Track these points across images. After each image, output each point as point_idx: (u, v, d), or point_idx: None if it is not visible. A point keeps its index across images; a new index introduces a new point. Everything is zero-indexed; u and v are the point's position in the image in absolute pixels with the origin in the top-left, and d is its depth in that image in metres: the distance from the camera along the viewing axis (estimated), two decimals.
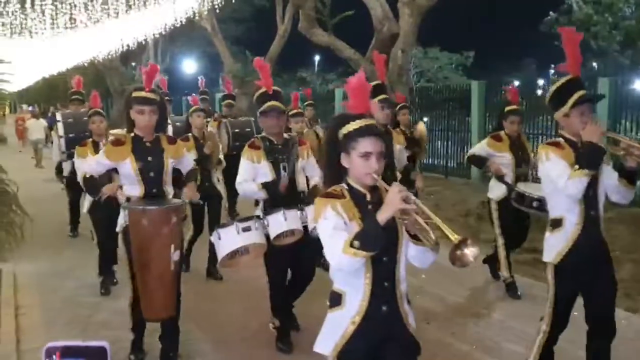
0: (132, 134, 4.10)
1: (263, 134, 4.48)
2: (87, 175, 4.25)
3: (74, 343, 1.42)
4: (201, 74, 16.56)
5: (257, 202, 4.45)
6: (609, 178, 3.41)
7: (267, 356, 4.46)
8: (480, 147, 5.75)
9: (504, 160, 5.50)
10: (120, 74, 26.01)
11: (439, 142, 13.74)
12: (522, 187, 5.22)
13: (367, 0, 11.90)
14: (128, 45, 16.42)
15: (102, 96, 7.48)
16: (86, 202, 5.82)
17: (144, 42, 17.64)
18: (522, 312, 5.05)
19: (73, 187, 7.42)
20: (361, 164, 2.43)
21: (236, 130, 8.01)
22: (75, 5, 12.08)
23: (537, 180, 5.48)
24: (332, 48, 12.77)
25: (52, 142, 9.54)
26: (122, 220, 4.09)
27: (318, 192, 4.36)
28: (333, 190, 2.50)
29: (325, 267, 3.67)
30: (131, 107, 4.03)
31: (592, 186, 3.33)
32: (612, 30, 22.40)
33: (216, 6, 13.05)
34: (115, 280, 5.98)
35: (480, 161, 5.71)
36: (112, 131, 5.86)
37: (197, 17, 16.59)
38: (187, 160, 4.52)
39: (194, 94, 6.92)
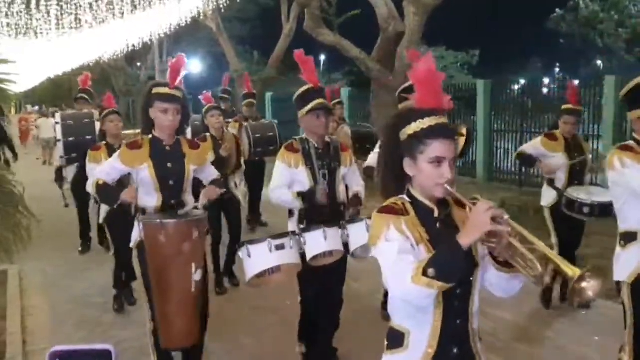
0: (150, 136, 3.68)
1: (303, 135, 4.02)
2: (100, 182, 3.69)
3: (79, 347, 1.42)
4: (206, 74, 16.51)
5: (291, 213, 4.01)
6: None
7: (274, 355, 4.44)
8: (531, 145, 5.34)
9: (557, 160, 5.10)
10: (125, 74, 26.07)
11: None
12: (572, 192, 4.92)
13: (373, 0, 11.87)
14: (133, 46, 16.44)
15: None
16: (102, 211, 5.36)
17: (149, 42, 17.65)
18: (584, 336, 4.67)
19: (79, 195, 7.10)
20: (431, 171, 2.00)
21: (257, 135, 7.41)
22: (80, 6, 12.09)
23: (593, 184, 5.25)
24: (338, 47, 12.74)
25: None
26: (136, 234, 3.66)
27: (359, 202, 4.10)
28: (394, 204, 2.06)
29: None
30: (151, 105, 3.58)
31: None
32: (619, 28, 22.30)
33: (221, 6, 13.04)
34: (133, 300, 5.54)
35: (530, 160, 5.29)
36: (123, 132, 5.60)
37: (202, 17, 16.60)
38: (211, 169, 4.08)
39: (205, 92, 6.44)
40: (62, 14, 12.29)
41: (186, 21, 13.90)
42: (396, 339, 2.11)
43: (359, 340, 4.43)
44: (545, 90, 14.05)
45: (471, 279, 2.07)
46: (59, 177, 7.88)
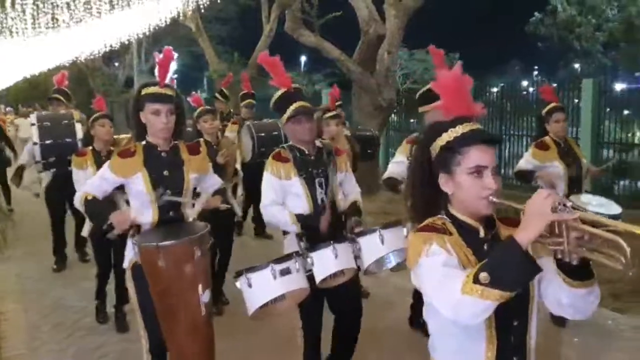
0: (144, 142, 3.32)
1: (290, 142, 3.61)
2: (89, 197, 3.27)
3: None
4: (183, 74, 16.29)
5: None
6: None
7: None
8: (525, 160, 4.99)
9: (554, 170, 4.79)
10: (103, 75, 25.79)
11: None
12: (574, 200, 4.51)
13: (354, 2, 11.87)
14: (111, 46, 16.25)
15: (85, 97, 7.06)
16: (87, 222, 4.85)
17: (127, 42, 17.46)
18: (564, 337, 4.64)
19: (53, 203, 6.56)
20: (471, 183, 1.72)
21: (261, 134, 6.85)
22: (57, 5, 11.91)
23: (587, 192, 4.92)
24: (319, 49, 12.70)
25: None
26: (130, 254, 3.31)
27: (359, 212, 3.64)
28: (433, 223, 1.79)
29: None
30: (142, 107, 3.23)
31: None
32: (596, 32, 22.71)
33: (201, 6, 12.94)
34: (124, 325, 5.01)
35: (528, 175, 4.91)
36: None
37: (181, 17, 16.45)
38: (213, 178, 3.68)
39: (194, 93, 5.96)
40: (38, 13, 12.09)
41: (165, 21, 13.76)
42: None
43: None
44: (524, 93, 14.21)
45: (528, 298, 1.78)
46: (18, 176, 6.69)
